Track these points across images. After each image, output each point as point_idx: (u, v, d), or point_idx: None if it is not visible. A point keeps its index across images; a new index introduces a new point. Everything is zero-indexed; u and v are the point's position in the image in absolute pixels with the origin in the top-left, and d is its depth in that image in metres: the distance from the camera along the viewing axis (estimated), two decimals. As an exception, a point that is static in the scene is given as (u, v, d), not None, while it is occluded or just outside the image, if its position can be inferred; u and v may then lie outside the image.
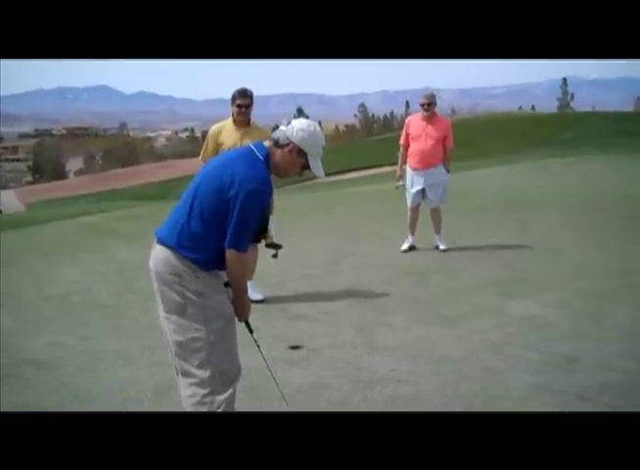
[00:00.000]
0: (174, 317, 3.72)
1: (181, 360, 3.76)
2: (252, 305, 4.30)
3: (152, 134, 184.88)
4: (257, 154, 3.75)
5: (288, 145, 3.74)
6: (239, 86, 7.35)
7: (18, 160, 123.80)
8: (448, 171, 9.66)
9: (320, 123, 5.48)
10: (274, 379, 4.09)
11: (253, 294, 7.11)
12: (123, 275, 8.81)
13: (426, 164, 9.42)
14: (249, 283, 6.88)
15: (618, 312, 6.66)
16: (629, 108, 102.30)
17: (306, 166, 3.80)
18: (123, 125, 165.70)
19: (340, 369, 5.50)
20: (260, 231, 4.11)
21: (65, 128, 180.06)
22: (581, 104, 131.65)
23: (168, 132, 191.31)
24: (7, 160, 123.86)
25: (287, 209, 12.49)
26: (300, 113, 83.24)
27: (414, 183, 9.56)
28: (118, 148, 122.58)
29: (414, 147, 9.46)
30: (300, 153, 3.75)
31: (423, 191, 9.56)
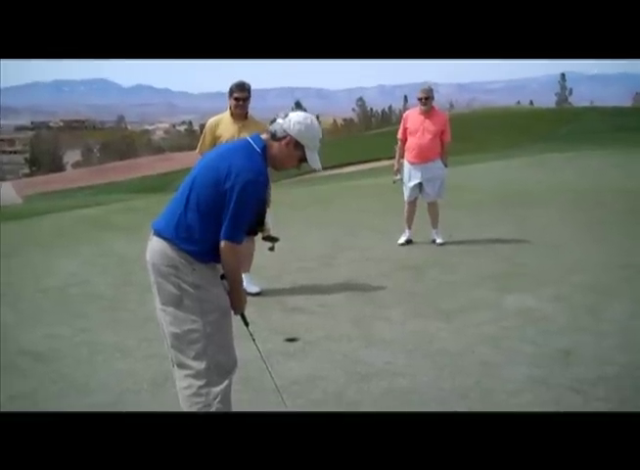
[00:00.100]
0: (171, 309, 3.73)
1: (177, 352, 3.77)
2: (249, 298, 4.31)
3: (149, 127, 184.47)
4: (254, 146, 3.75)
5: (285, 138, 3.73)
6: (237, 79, 7.34)
7: (15, 152, 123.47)
8: (446, 166, 9.68)
9: (318, 117, 5.48)
10: (269, 372, 4.10)
11: (250, 286, 7.12)
12: (121, 268, 8.81)
13: (423, 158, 9.43)
14: (245, 276, 6.93)
15: (616, 306, 6.69)
16: (628, 103, 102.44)
17: (303, 159, 3.80)
18: (121, 118, 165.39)
19: (336, 362, 5.52)
20: (257, 224, 4.13)
21: (62, 121, 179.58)
22: (580, 99, 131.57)
23: (166, 125, 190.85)
24: (4, 152, 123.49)
25: (284, 202, 12.50)
26: (298, 106, 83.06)
27: (411, 177, 9.56)
28: (116, 141, 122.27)
29: (412, 141, 9.47)
30: (298, 145, 3.74)
31: (420, 185, 9.57)
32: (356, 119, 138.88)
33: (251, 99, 7.30)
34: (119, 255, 9.60)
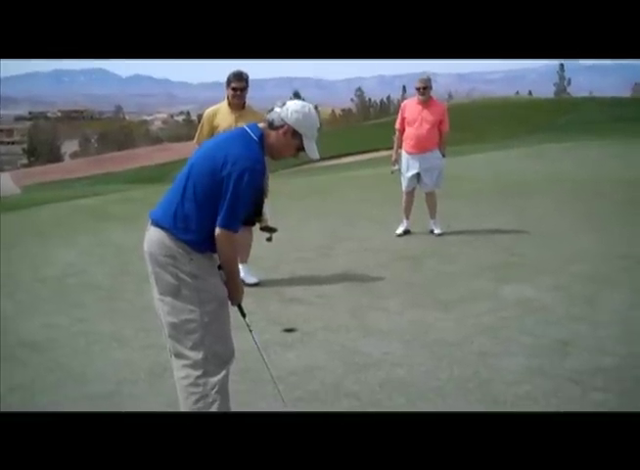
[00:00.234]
0: (168, 299, 3.72)
1: (175, 342, 3.76)
2: (247, 289, 4.30)
3: (148, 117, 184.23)
4: (252, 134, 3.73)
5: (282, 127, 3.71)
6: (235, 69, 7.30)
7: (13, 142, 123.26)
8: (444, 156, 9.66)
9: (317, 107, 5.46)
10: (266, 364, 4.09)
11: (248, 277, 7.11)
12: (118, 258, 8.80)
13: (421, 148, 9.40)
14: (243, 266, 6.92)
15: (615, 296, 6.67)
16: (626, 93, 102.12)
17: (301, 148, 3.78)
18: (119, 108, 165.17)
19: (334, 352, 5.51)
20: (255, 214, 4.10)
21: (60, 111, 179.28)
22: (578, 89, 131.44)
23: (164, 115, 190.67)
24: (2, 142, 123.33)
25: (283, 192, 12.50)
26: (297, 96, 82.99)
27: (409, 167, 9.54)
28: (114, 131, 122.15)
29: (409, 131, 9.44)
30: (295, 134, 3.72)
31: (418, 175, 9.55)
32: (355, 110, 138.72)
33: (250, 89, 7.27)
34: (117, 245, 9.60)
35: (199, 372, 3.71)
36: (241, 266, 6.48)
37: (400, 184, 9.75)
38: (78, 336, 6.03)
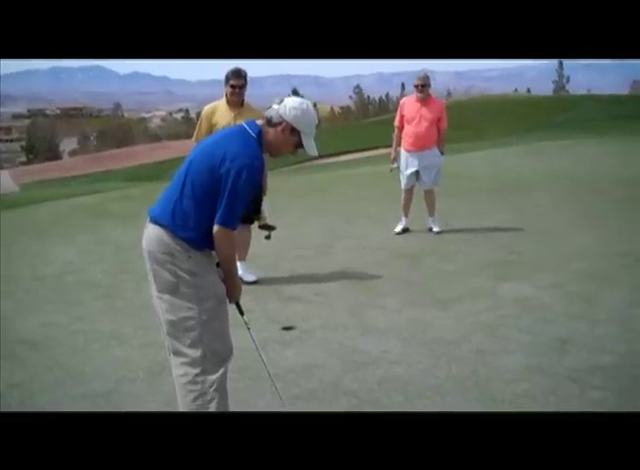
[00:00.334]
0: (167, 296, 3.71)
1: (173, 340, 3.76)
2: (246, 287, 4.30)
3: (146, 115, 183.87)
4: (250, 131, 3.73)
5: (281, 123, 3.71)
6: (234, 66, 7.28)
7: (11, 140, 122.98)
8: (442, 153, 9.65)
9: (315, 105, 5.45)
10: (264, 363, 4.08)
11: (246, 275, 7.11)
12: (117, 256, 8.80)
13: (420, 146, 9.40)
14: (241, 264, 6.92)
15: (613, 294, 6.67)
16: (625, 91, 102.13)
17: (300, 145, 3.78)
18: (118, 106, 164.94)
19: (332, 350, 5.51)
20: (254, 212, 4.11)
21: (59, 108, 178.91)
22: (577, 87, 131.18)
23: (163, 113, 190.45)
24: (0, 140, 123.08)
25: (281, 190, 12.49)
26: (295, 94, 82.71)
27: (408, 165, 9.53)
28: (113, 128, 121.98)
29: (408, 129, 9.43)
30: (294, 131, 3.72)
31: (417, 173, 9.54)
32: (354, 107, 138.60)
33: (248, 86, 7.26)
34: (116, 243, 9.59)
35: (197, 370, 3.71)
36: (239, 264, 6.49)
37: (399, 182, 9.75)
38: (77, 334, 6.03)
